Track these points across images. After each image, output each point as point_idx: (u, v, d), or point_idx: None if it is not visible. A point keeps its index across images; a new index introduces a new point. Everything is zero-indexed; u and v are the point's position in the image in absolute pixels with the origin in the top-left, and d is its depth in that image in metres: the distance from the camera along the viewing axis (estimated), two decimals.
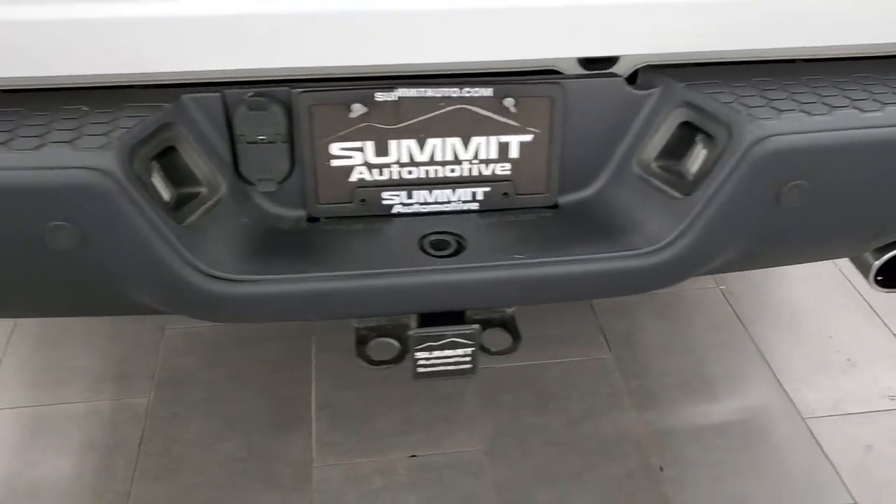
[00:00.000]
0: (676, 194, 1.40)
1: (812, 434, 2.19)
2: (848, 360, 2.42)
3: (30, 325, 2.50)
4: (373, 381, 2.31)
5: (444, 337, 1.43)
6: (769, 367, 2.39)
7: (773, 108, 1.34)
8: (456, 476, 2.07)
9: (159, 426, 2.18)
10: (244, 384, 2.31)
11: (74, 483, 2.03)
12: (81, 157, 1.19)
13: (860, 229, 1.49)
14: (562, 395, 2.29)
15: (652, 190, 1.44)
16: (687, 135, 1.42)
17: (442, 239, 1.43)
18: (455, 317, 1.45)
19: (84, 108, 1.28)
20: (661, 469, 2.09)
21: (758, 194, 1.35)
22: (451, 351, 1.45)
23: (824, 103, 1.36)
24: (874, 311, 2.59)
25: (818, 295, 2.64)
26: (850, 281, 2.68)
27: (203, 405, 2.25)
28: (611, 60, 1.45)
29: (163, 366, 2.36)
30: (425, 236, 1.43)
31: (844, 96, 1.38)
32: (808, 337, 2.50)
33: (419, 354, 1.44)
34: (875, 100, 1.37)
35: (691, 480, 2.07)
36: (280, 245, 1.41)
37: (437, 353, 1.45)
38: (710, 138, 1.38)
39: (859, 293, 2.65)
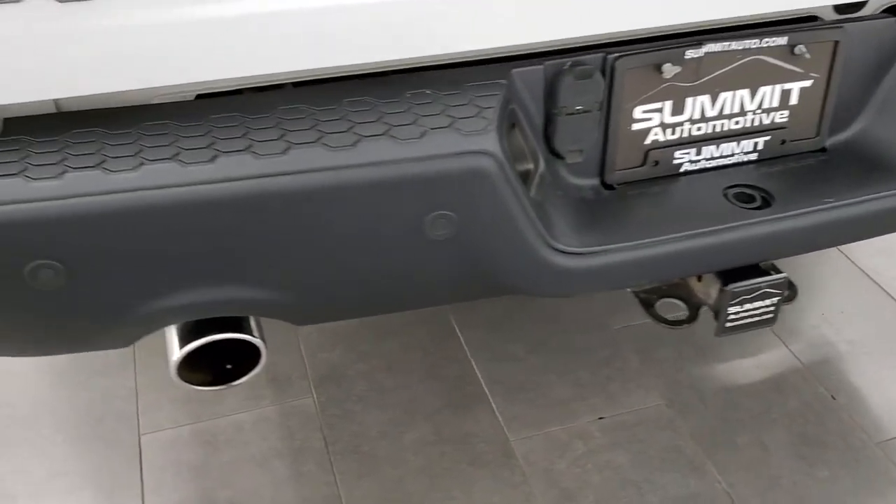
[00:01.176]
0: None
1: None
2: None
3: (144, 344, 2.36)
4: (527, 353, 2.31)
5: (758, 289, 1.45)
6: (887, 293, 2.52)
7: None
8: (651, 431, 2.10)
9: (337, 424, 2.12)
10: (402, 371, 2.26)
11: (276, 493, 1.96)
12: (471, 141, 1.14)
13: None
14: (714, 344, 2.34)
15: None
16: None
17: (742, 192, 1.45)
18: (754, 269, 1.48)
19: (427, 91, 1.22)
20: (833, 398, 2.18)
21: None
22: (760, 302, 1.47)
23: None
24: None
25: None
26: None
27: (371, 397, 2.19)
28: (860, 4, 1.49)
29: (312, 364, 2.29)
30: (727, 190, 1.45)
31: None
32: None
33: (732, 309, 1.46)
34: None
35: (863, 403, 2.17)
36: (595, 214, 1.39)
37: (746, 307, 1.47)
38: None
39: None
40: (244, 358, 1.34)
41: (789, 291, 1.58)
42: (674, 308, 1.56)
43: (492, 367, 2.28)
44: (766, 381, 2.23)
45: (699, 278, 1.51)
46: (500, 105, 1.21)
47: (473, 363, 2.29)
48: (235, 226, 1.10)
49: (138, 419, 2.14)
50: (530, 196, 1.29)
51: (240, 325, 1.28)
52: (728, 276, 1.46)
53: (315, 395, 2.20)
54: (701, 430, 2.10)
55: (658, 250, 1.34)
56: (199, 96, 1.18)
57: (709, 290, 1.48)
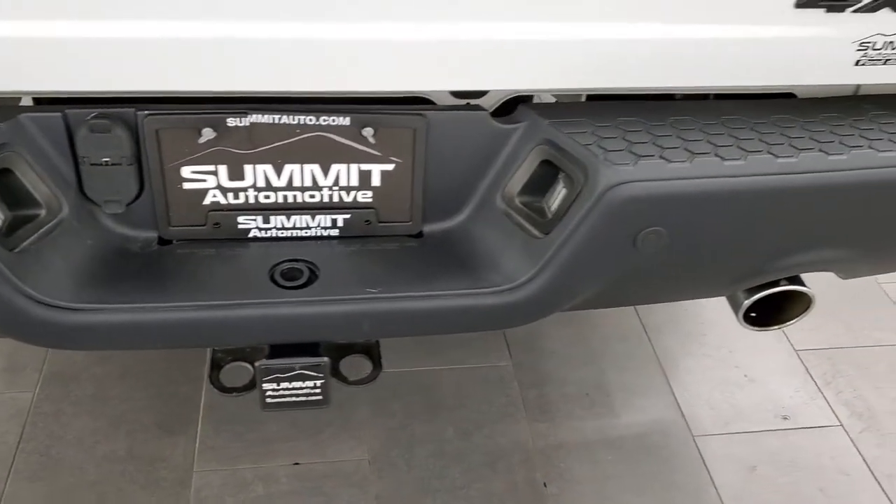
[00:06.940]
0: (536, 233, 1.38)
1: (700, 453, 2.19)
2: (745, 375, 2.43)
3: None
4: None
5: (291, 369, 1.40)
6: (668, 381, 2.40)
7: (632, 152, 1.32)
8: (337, 486, 2.05)
9: (41, 423, 2.14)
10: (134, 381, 2.27)
11: None
12: None
13: (724, 273, 1.48)
14: (454, 404, 2.27)
15: (513, 226, 1.41)
16: (550, 172, 1.39)
17: (295, 268, 1.40)
18: (310, 347, 1.43)
19: None
20: (545, 485, 2.09)
21: (613, 238, 1.33)
22: (300, 383, 1.42)
23: (687, 149, 1.34)
24: None
25: (726, 307, 2.63)
26: None
27: (89, 402, 2.21)
28: (481, 93, 1.42)
29: (52, 360, 2.32)
30: (277, 265, 1.39)
31: (708, 141, 1.36)
32: (710, 350, 2.51)
33: (266, 386, 1.41)
34: (739, 147, 1.35)
35: (573, 497, 2.07)
36: (128, 269, 1.36)
37: (284, 385, 1.42)
38: (569, 179, 1.35)
39: None
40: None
41: (373, 371, 1.52)
42: (245, 373, 1.51)
43: (219, 394, 2.26)
44: (487, 454, 2.16)
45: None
46: None
47: (205, 386, 2.28)
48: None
49: None
50: (21, 242, 1.27)
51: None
52: (277, 351, 1.41)
53: (37, 391, 2.22)
54: (388, 493, 2.04)
55: (163, 317, 1.30)
56: None
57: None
